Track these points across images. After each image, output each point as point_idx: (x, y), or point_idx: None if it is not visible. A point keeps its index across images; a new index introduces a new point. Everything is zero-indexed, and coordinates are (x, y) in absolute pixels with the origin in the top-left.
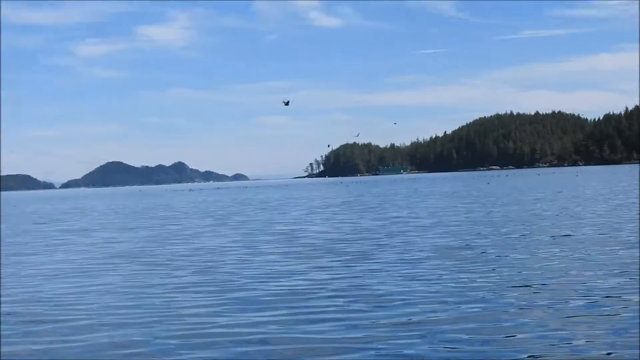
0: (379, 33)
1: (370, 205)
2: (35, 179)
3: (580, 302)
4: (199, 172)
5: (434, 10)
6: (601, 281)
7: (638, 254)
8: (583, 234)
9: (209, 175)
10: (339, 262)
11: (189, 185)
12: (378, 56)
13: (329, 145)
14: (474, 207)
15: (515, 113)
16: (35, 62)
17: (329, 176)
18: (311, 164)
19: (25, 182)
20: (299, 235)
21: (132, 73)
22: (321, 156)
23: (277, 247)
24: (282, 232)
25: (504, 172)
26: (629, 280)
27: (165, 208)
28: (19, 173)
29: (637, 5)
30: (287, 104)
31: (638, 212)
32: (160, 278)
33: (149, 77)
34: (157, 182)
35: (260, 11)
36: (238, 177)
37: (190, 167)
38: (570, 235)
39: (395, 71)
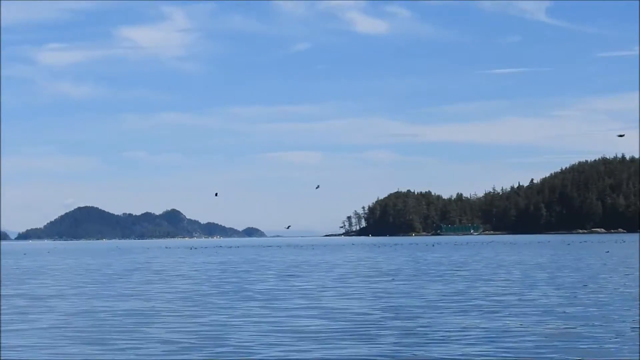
0: (439, 43)
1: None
2: None
3: None
4: (200, 223)
5: (515, 12)
6: None
7: None
8: None
9: (212, 229)
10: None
11: (188, 241)
12: (436, 75)
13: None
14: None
15: (628, 157)
16: None
17: (372, 235)
18: (349, 218)
19: None
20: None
21: (110, 90)
22: (363, 208)
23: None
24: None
25: (612, 236)
26: None
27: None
28: None
29: None
30: (622, 136)
31: None
32: None
33: (133, 96)
34: (142, 235)
35: (286, 11)
36: (251, 232)
37: (188, 217)
38: None
39: (459, 96)
